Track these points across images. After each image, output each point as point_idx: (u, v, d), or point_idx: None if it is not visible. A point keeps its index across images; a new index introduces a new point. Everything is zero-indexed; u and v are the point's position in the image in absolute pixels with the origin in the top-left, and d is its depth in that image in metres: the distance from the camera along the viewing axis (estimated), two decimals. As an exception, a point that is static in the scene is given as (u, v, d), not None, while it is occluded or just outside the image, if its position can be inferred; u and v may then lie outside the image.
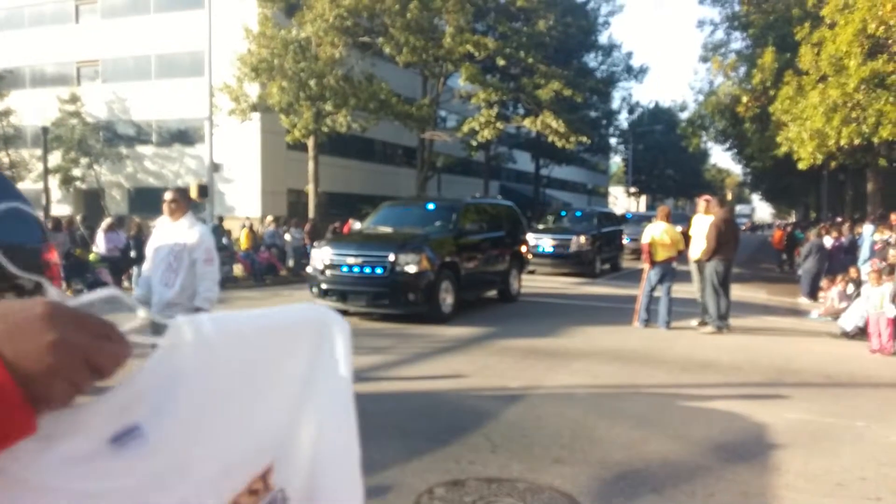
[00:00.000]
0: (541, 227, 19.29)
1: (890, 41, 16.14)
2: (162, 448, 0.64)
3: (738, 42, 28.22)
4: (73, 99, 28.93)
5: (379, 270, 9.80)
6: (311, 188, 23.99)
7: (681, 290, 10.99)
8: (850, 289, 11.64)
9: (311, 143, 23.29)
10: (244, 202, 27.26)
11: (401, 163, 36.80)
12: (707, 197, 10.82)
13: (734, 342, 9.17)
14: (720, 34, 28.72)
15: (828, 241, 15.50)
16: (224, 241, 17.28)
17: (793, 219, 53.54)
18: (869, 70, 16.08)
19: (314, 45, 21.73)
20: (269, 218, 19.48)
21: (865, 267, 12.22)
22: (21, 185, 28.94)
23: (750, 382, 7.00)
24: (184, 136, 29.87)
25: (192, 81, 26.56)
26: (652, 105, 60.77)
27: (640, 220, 23.83)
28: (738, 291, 12.42)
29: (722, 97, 26.31)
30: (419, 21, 22.51)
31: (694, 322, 10.36)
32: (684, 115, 35.21)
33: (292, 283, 15.33)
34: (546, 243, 17.67)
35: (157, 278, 4.97)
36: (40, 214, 19.74)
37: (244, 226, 18.37)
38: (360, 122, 22.86)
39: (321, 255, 10.34)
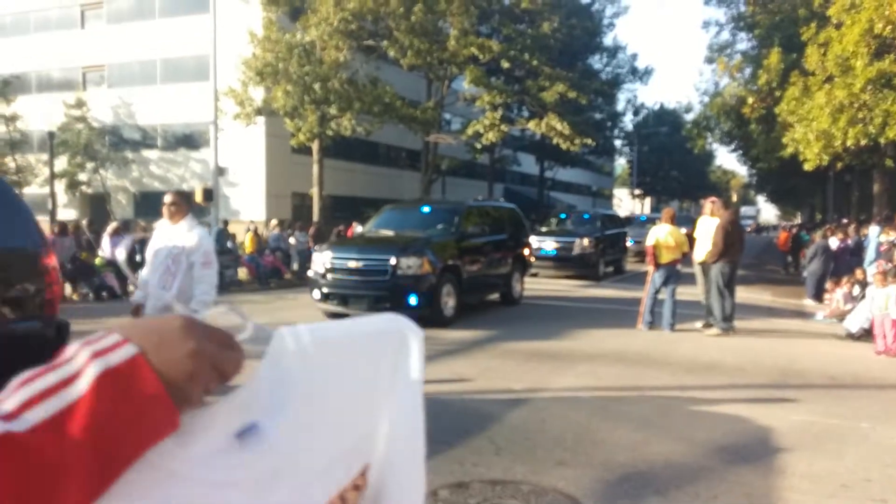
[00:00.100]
0: (544, 229, 19.24)
1: (897, 41, 16.09)
2: (276, 443, 0.72)
3: (743, 43, 28.20)
4: (79, 104, 29.10)
5: (380, 274, 9.78)
6: (315, 191, 24.05)
7: (685, 293, 10.96)
8: (857, 290, 11.60)
9: (315, 146, 23.35)
10: (249, 206, 27.35)
11: (405, 166, 36.85)
12: (713, 199, 10.79)
13: (739, 344, 9.15)
14: (726, 35, 28.69)
15: (833, 243, 15.44)
16: (229, 244, 17.34)
17: (798, 220, 53.39)
18: (876, 70, 16.02)
19: (319, 49, 21.80)
20: (274, 221, 19.55)
21: (871, 268, 12.17)
22: (27, 190, 29.18)
23: (754, 384, 6.98)
24: (189, 141, 30.00)
25: (198, 86, 26.68)
26: (657, 107, 60.75)
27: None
28: (743, 293, 12.38)
29: (727, 98, 26.25)
30: (423, 24, 22.56)
31: (698, 324, 10.34)
32: (689, 117, 35.14)
33: (297, 286, 15.36)
34: (549, 246, 17.64)
35: (156, 281, 4.95)
36: (46, 219, 19.83)
37: (249, 229, 18.42)
38: (364, 126, 22.92)
39: (322, 259, 10.31)
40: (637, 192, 63.54)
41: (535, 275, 16.77)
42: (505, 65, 26.17)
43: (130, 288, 13.27)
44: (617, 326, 10.32)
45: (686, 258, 10.56)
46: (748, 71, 25.44)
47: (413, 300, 9.63)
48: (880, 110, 16.14)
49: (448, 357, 7.85)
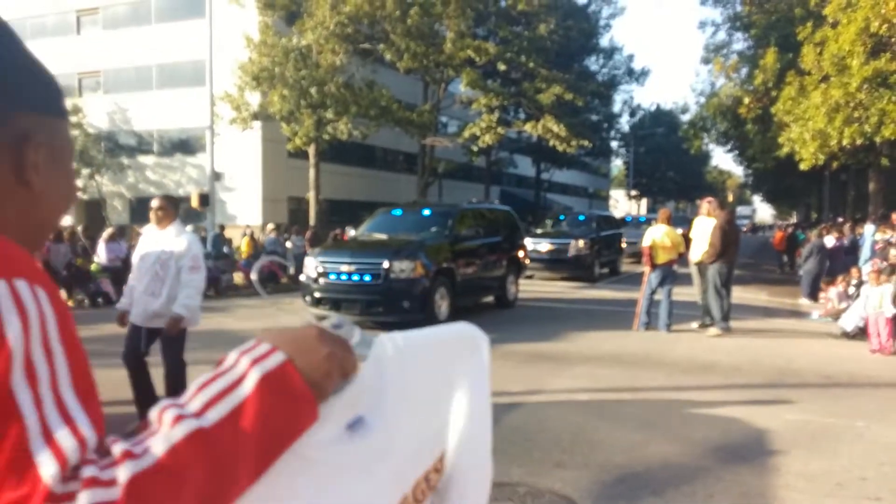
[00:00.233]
0: (539, 231, 19.23)
1: (893, 39, 16.10)
2: (378, 433, 0.85)
3: (739, 43, 28.29)
4: (75, 110, 29.02)
5: (373, 278, 9.70)
6: (312, 196, 24.05)
7: (681, 293, 10.98)
8: (851, 289, 11.63)
9: (311, 150, 23.35)
10: (245, 210, 27.33)
11: (402, 169, 36.86)
12: (710, 199, 10.80)
13: (735, 344, 9.17)
14: (722, 35, 28.80)
15: (829, 241, 15.48)
16: (225, 249, 17.34)
17: (794, 220, 53.47)
18: (872, 69, 16.05)
19: (315, 53, 21.83)
20: (270, 226, 19.53)
21: (866, 267, 12.21)
22: (24, 196, 29.01)
23: (750, 384, 7.00)
24: (185, 146, 29.99)
25: (194, 91, 26.68)
26: (653, 108, 60.91)
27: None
28: (738, 293, 12.41)
29: (724, 98, 26.30)
30: (420, 27, 22.59)
31: (694, 324, 10.36)
32: (686, 118, 35.23)
33: (293, 290, 15.34)
34: (544, 247, 17.63)
35: (143, 288, 4.88)
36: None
37: (245, 234, 18.42)
38: (360, 129, 22.92)
39: (314, 263, 10.22)
40: (633, 193, 63.60)
41: (530, 277, 16.77)
42: (501, 67, 26.21)
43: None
44: (613, 328, 10.34)
45: (682, 259, 10.58)
46: (744, 71, 25.52)
47: (406, 304, 9.56)
48: (876, 109, 16.18)
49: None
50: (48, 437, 0.61)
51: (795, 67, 19.50)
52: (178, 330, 4.86)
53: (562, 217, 21.28)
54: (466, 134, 26.49)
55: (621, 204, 76.65)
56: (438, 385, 0.96)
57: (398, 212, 12.38)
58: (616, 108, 46.45)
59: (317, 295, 10.09)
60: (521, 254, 13.16)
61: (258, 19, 22.39)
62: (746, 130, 26.27)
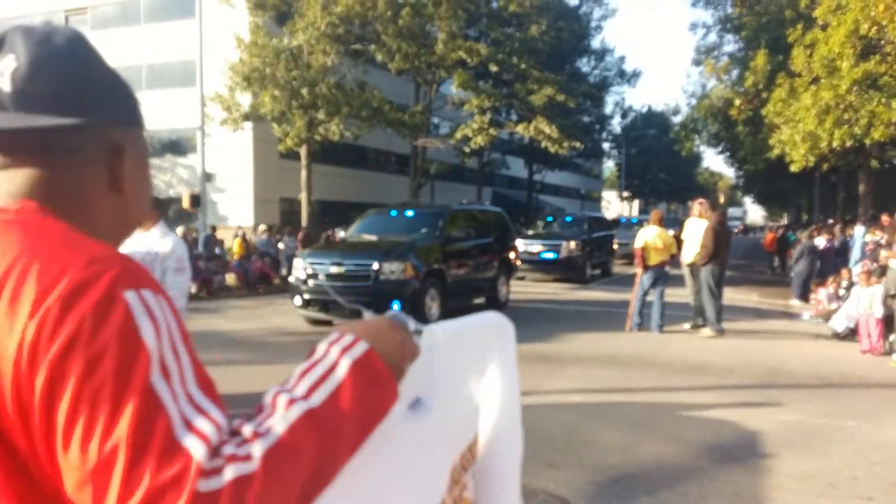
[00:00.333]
0: (530, 232, 19.22)
1: (882, 42, 16.19)
2: (432, 411, 0.96)
3: (730, 45, 28.40)
4: (65, 110, 28.89)
5: (363, 279, 9.64)
6: (303, 197, 23.98)
7: (674, 294, 11.01)
8: (842, 291, 11.68)
9: (303, 151, 23.28)
10: (237, 211, 27.23)
11: (394, 170, 36.83)
12: (701, 200, 10.83)
13: (727, 345, 9.19)
14: (713, 37, 28.90)
15: (820, 243, 15.56)
16: (217, 250, 17.27)
17: (785, 221, 53.76)
18: (861, 71, 16.14)
19: (306, 54, 21.76)
20: (262, 227, 19.46)
21: (857, 268, 12.27)
22: (13, 197, 28.85)
23: (743, 385, 7.02)
24: (176, 147, 29.83)
25: (184, 91, 26.53)
26: (645, 109, 61.16)
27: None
28: (730, 294, 12.45)
29: (715, 100, 26.42)
30: (411, 28, 22.57)
31: (686, 325, 10.38)
32: (677, 119, 35.49)
33: (285, 291, 15.28)
34: (535, 249, 17.62)
35: None
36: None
37: (237, 235, 18.34)
38: (352, 130, 22.86)
39: (303, 265, 10.13)
40: (625, 194, 63.84)
41: (521, 278, 16.76)
42: (493, 68, 26.22)
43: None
44: (606, 329, 10.35)
45: (674, 260, 10.60)
46: (735, 73, 25.62)
47: (396, 306, 9.48)
48: (866, 111, 16.26)
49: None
50: (189, 425, 0.69)
51: (786, 69, 19.60)
52: None
53: (549, 218, 21.24)
54: (458, 135, 26.47)
55: (613, 205, 76.88)
56: (473, 370, 1.07)
57: (388, 213, 12.34)
58: (608, 109, 46.56)
59: (306, 297, 10.02)
60: (512, 255, 13.14)
61: (248, 19, 22.29)
62: (737, 132, 26.39)
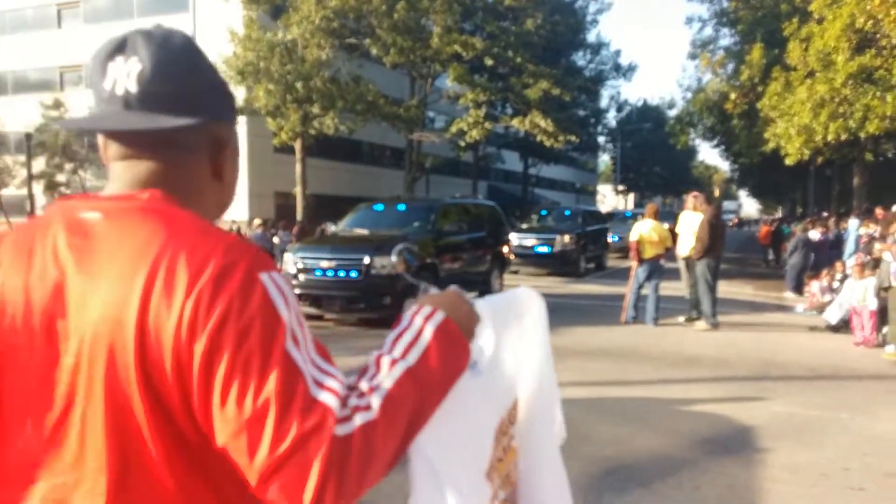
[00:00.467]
0: (524, 226, 19.18)
1: (878, 35, 16.20)
2: (484, 373, 1.13)
3: (726, 38, 28.37)
4: (57, 104, 28.72)
5: (354, 274, 9.53)
6: (298, 191, 23.93)
7: (669, 287, 11.03)
8: (836, 283, 11.71)
9: (298, 145, 23.23)
10: (231, 206, 27.10)
11: (389, 164, 36.76)
12: (696, 193, 10.83)
13: (721, 337, 9.22)
14: (709, 31, 28.88)
15: (814, 236, 15.60)
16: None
17: (779, 214, 53.89)
18: (856, 65, 16.15)
19: (300, 48, 21.68)
20: (257, 221, 19.41)
21: (851, 261, 12.30)
22: (5, 192, 28.81)
23: (736, 377, 7.05)
24: (170, 140, 29.69)
25: (178, 85, 26.41)
26: (640, 103, 61.04)
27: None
28: (724, 287, 12.48)
29: (710, 94, 26.41)
30: (406, 21, 22.50)
31: (681, 318, 10.40)
32: (672, 113, 35.43)
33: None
34: (529, 243, 17.61)
35: None
36: (24, 221, 19.58)
37: (231, 229, 18.30)
38: (347, 124, 22.81)
39: (294, 259, 10.03)
40: (621, 188, 63.86)
41: (515, 272, 16.76)
42: (488, 62, 26.17)
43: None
44: (601, 322, 10.36)
45: (669, 253, 10.61)
46: (731, 66, 25.60)
47: (387, 300, 9.33)
48: (860, 105, 16.29)
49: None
50: (320, 385, 0.83)
51: (781, 63, 19.60)
52: None
53: (543, 212, 21.22)
54: (454, 129, 26.43)
55: (609, 199, 76.91)
56: (511, 337, 1.22)
57: (380, 207, 12.24)
58: (603, 103, 46.47)
59: (297, 291, 9.94)
60: (505, 249, 13.09)
61: (242, 13, 22.20)
62: (732, 126, 26.39)
